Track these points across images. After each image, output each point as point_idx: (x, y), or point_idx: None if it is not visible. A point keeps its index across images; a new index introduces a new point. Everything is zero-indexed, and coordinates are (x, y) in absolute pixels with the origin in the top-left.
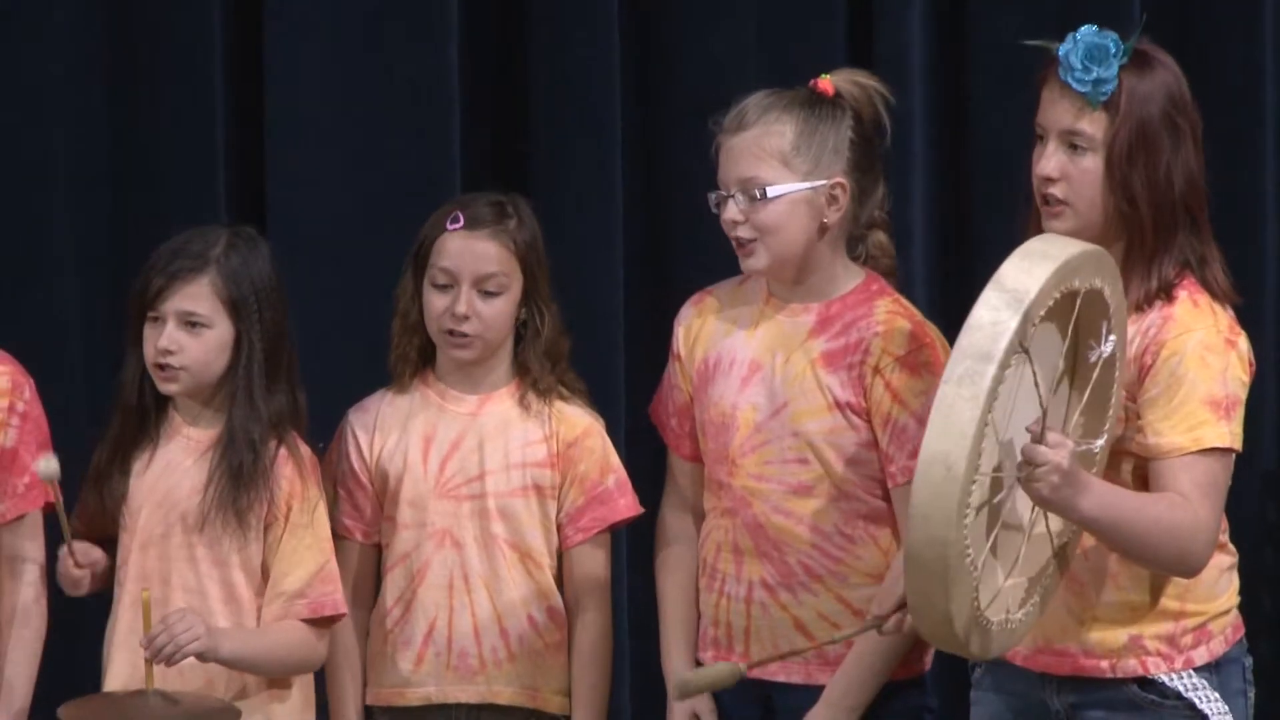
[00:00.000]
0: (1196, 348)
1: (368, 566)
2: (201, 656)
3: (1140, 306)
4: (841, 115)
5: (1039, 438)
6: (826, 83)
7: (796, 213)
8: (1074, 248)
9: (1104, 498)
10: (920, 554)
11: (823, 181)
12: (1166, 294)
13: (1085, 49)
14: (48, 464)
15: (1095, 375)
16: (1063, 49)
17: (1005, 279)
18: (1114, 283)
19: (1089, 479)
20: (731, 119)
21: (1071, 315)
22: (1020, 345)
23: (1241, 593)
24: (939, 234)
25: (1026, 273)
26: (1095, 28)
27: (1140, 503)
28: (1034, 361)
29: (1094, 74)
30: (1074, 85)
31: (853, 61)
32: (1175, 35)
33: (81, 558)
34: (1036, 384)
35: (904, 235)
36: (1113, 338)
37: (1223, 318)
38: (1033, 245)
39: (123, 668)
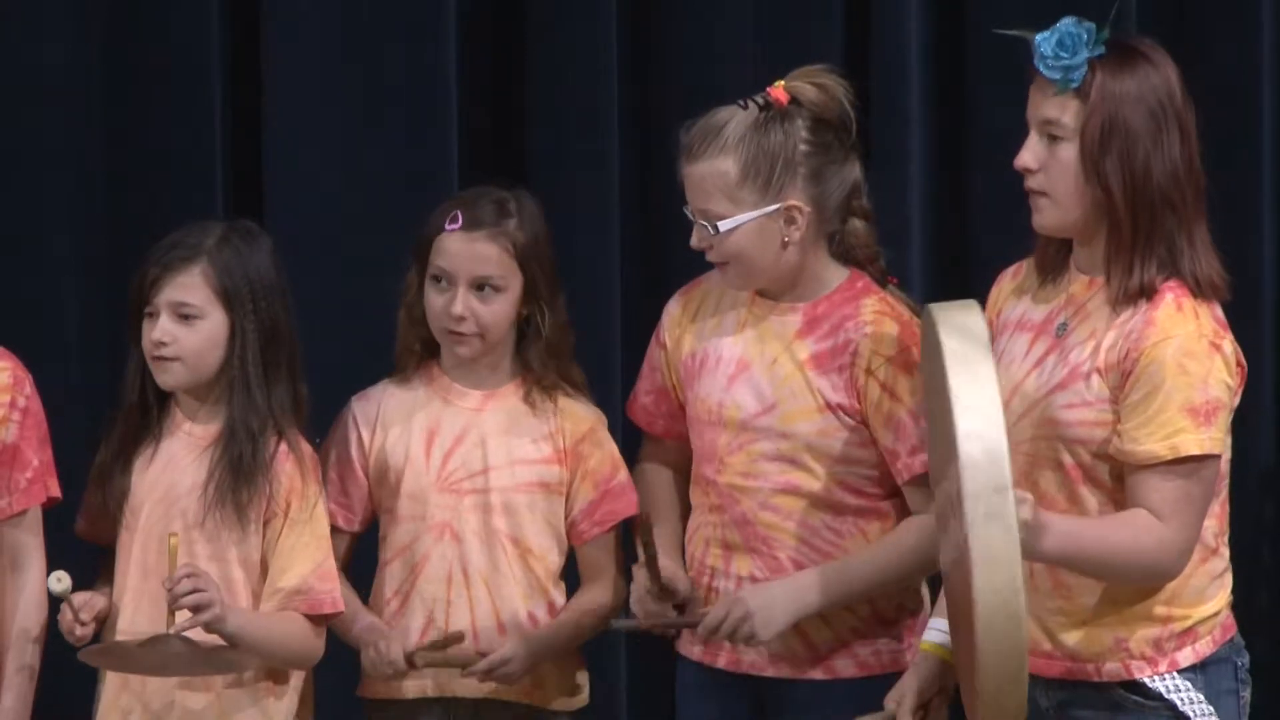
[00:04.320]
0: (1175, 354)
1: (344, 552)
2: (209, 626)
3: (1121, 301)
4: (792, 128)
5: None
6: (779, 91)
7: (754, 239)
8: (978, 321)
9: (1064, 537)
10: (1003, 699)
11: (775, 205)
12: (1149, 295)
13: (1058, 37)
14: (59, 581)
15: None
16: (1038, 37)
17: (962, 396)
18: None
19: (1047, 520)
20: (684, 145)
21: None
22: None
23: (1238, 591)
24: (936, 229)
25: (973, 380)
26: (1075, 19)
27: (1102, 532)
28: None
29: (1064, 60)
30: (1044, 72)
31: (850, 56)
32: (1171, 33)
33: (85, 615)
34: None
35: (902, 230)
36: None
37: (1206, 321)
38: (954, 346)
39: None
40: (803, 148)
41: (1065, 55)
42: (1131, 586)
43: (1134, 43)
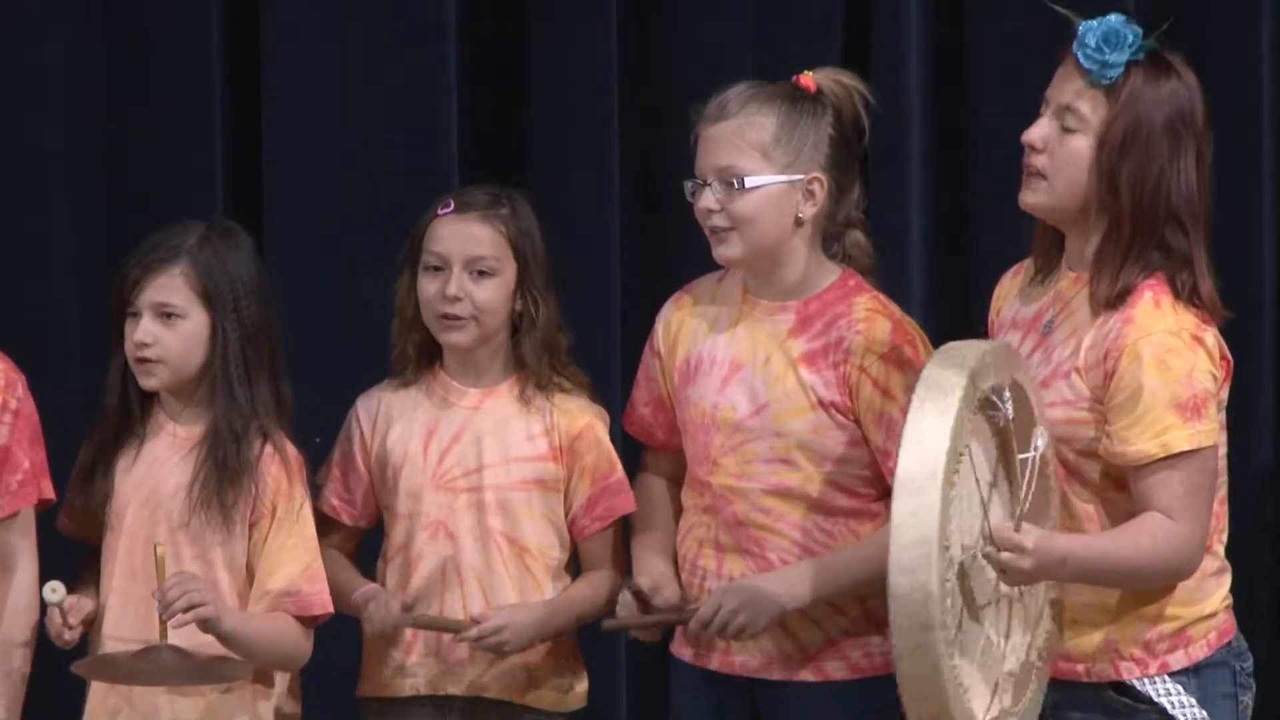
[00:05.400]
0: (1156, 351)
1: (348, 546)
2: (205, 626)
3: (1105, 305)
4: (822, 112)
5: (1003, 543)
6: (809, 79)
7: (772, 204)
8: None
9: (1083, 561)
10: None
11: (800, 176)
12: (1125, 295)
13: (1105, 30)
14: (54, 591)
15: (1035, 474)
16: (1084, 24)
17: (902, 527)
18: (1022, 369)
19: (1064, 550)
20: (713, 108)
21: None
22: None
23: (1238, 591)
24: (936, 232)
25: (916, 513)
26: (1125, 17)
27: (1121, 547)
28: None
29: (1105, 55)
30: (1082, 61)
31: (850, 58)
32: (1171, 33)
33: (73, 618)
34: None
35: (901, 233)
36: (1040, 432)
37: (1186, 316)
38: (909, 464)
39: None
40: (830, 133)
41: (1108, 50)
42: (1126, 587)
43: (1169, 57)
